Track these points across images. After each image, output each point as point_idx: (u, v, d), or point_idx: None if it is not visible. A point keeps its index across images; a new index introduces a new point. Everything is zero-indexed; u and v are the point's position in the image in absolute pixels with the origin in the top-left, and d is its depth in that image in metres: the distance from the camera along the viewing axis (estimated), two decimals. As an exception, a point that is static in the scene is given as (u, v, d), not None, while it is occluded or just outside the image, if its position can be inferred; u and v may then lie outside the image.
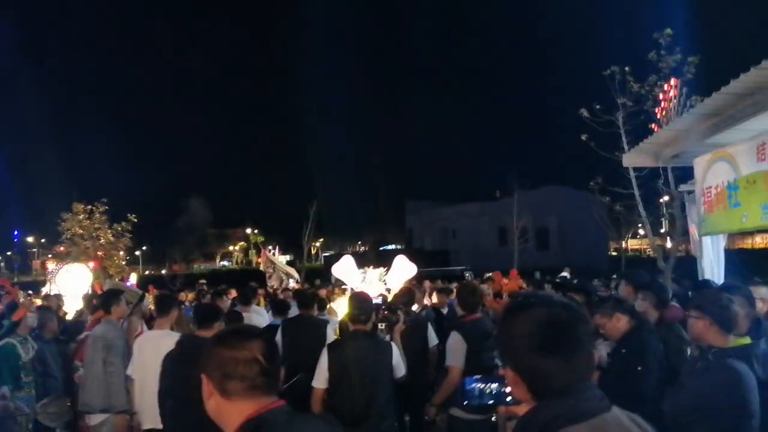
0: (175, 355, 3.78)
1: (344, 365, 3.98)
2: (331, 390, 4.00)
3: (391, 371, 4.15)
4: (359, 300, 4.34)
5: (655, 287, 4.98)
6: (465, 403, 1.74)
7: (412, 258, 9.58)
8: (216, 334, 1.76)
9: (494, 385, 1.69)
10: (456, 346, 4.35)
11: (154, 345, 4.42)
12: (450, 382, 4.36)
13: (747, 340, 2.98)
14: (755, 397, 2.73)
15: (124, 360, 4.87)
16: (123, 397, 4.77)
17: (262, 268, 12.39)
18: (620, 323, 3.96)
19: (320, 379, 4.03)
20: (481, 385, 1.69)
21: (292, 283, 11.64)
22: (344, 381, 3.95)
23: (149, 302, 6.70)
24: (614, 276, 13.48)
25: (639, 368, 3.69)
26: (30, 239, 52.51)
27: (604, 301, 4.55)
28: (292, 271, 12.16)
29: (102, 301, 5.43)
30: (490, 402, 1.68)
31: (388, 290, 8.55)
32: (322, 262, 48.94)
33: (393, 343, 4.40)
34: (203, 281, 17.69)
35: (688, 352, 3.96)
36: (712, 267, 7.33)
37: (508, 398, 1.64)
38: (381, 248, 51.57)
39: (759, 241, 47.19)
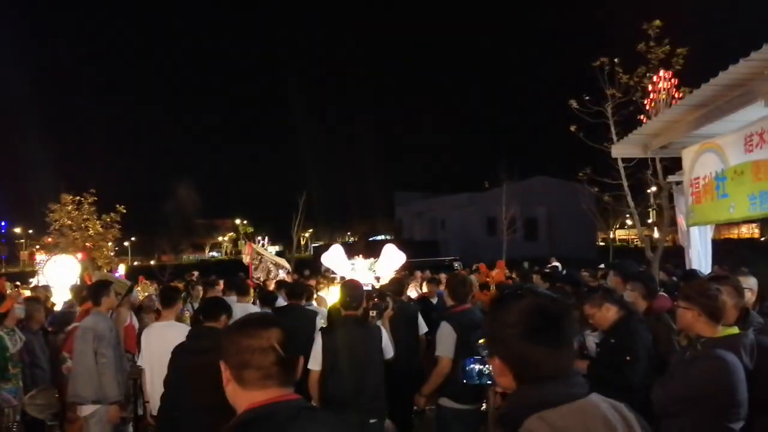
0: (185, 346, 3.80)
1: (337, 348, 4.17)
2: (325, 372, 4.17)
3: (381, 353, 4.40)
4: (351, 287, 4.53)
5: (644, 277, 5.02)
6: (464, 381, 1.84)
7: (402, 248, 9.61)
8: (235, 321, 1.76)
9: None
10: (446, 336, 4.35)
11: (161, 335, 4.71)
12: (439, 373, 4.36)
13: (735, 330, 3.00)
14: (743, 387, 2.75)
15: (115, 351, 4.96)
16: (115, 387, 4.86)
17: (245, 260, 12.27)
18: (609, 313, 3.99)
19: (315, 362, 4.19)
20: (479, 366, 1.77)
21: (282, 274, 11.60)
22: (337, 363, 4.15)
23: (138, 293, 6.61)
24: (602, 266, 13.62)
25: (627, 358, 3.72)
26: (17, 230, 51.99)
27: (592, 291, 4.58)
28: (282, 261, 12.09)
29: (92, 292, 5.37)
30: (488, 382, 1.76)
31: (378, 279, 8.58)
32: (312, 253, 48.89)
33: (382, 327, 4.65)
34: (195, 273, 17.61)
35: (677, 342, 4.00)
36: (700, 257, 7.41)
37: None
38: (370, 239, 51.60)
39: (745, 232, 47.77)
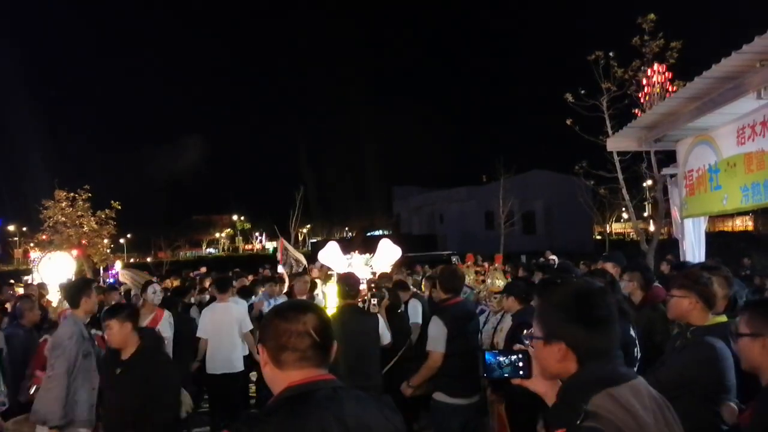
0: None
1: (338, 334, 4.15)
2: None
3: (378, 338, 4.83)
4: (348, 278, 4.94)
5: (641, 267, 5.06)
6: (484, 375, 1.86)
7: (400, 243, 9.62)
8: (274, 307, 1.84)
9: (513, 357, 1.79)
10: (436, 331, 4.38)
11: (225, 309, 6.41)
12: (429, 367, 4.40)
13: (723, 318, 3.05)
14: (732, 374, 2.81)
15: (84, 362, 4.22)
16: (60, 409, 4.05)
17: (278, 256, 12.37)
18: None
19: None
20: (501, 358, 1.80)
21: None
22: (338, 347, 4.15)
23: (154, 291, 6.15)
24: (601, 259, 13.66)
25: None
26: (11, 228, 51.76)
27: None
28: (300, 257, 12.16)
29: (70, 293, 4.60)
30: (506, 375, 1.79)
31: (374, 274, 8.60)
32: (310, 249, 48.87)
33: (379, 315, 5.04)
34: (203, 268, 17.78)
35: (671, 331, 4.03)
36: (693, 249, 7.44)
37: (521, 372, 1.77)
38: (368, 234, 51.59)
39: (739, 224, 47.91)
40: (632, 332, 3.57)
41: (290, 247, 12.25)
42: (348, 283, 4.84)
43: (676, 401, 2.81)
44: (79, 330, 4.25)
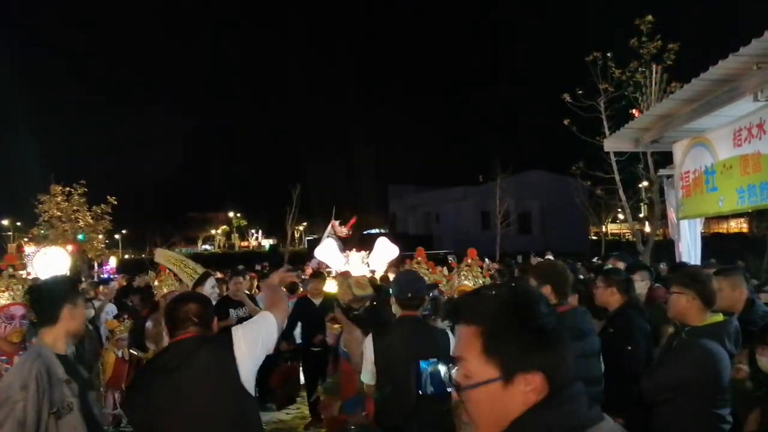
0: None
1: (394, 357, 3.31)
2: (379, 386, 3.41)
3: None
4: (409, 279, 3.59)
5: (647, 267, 5.14)
6: (418, 391, 1.54)
7: (396, 242, 9.64)
8: None
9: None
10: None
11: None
12: None
13: (719, 318, 3.05)
14: (728, 374, 2.84)
15: (67, 421, 2.56)
16: None
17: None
18: (613, 297, 4.01)
19: (368, 374, 3.45)
20: (441, 367, 1.38)
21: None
22: (395, 376, 3.26)
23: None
24: (595, 259, 13.71)
25: (629, 348, 3.75)
26: (5, 222, 51.48)
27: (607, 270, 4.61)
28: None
29: (42, 303, 2.86)
30: (450, 389, 1.35)
31: (372, 272, 8.61)
32: (306, 246, 48.79)
33: (447, 331, 3.54)
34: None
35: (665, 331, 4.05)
36: (689, 250, 7.48)
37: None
38: (365, 232, 51.56)
39: (734, 226, 48.13)
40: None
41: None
42: (408, 285, 3.50)
43: (672, 403, 2.87)
44: (46, 369, 2.56)
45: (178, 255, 4.54)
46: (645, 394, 3.01)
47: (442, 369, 1.32)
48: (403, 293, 3.47)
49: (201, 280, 4.58)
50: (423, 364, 1.61)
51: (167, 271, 5.10)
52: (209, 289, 4.65)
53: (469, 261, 4.60)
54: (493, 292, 1.17)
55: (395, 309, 3.54)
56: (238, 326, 2.72)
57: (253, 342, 2.59)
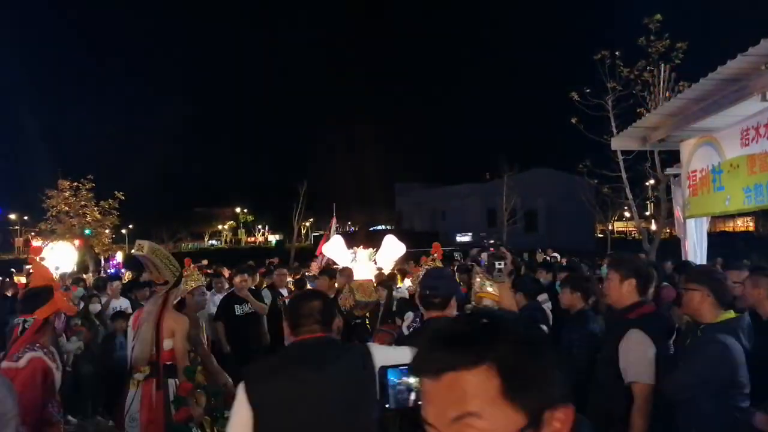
0: None
1: None
2: None
3: None
4: (434, 276, 3.21)
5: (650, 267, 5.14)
6: (386, 405, 1.39)
7: (402, 238, 9.68)
8: None
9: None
10: (642, 352, 3.92)
11: None
12: (641, 407, 4.03)
13: (732, 314, 3.03)
14: (744, 369, 2.83)
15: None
16: None
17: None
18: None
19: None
20: (405, 380, 1.31)
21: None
22: None
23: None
24: (603, 258, 13.70)
25: None
26: (12, 216, 51.82)
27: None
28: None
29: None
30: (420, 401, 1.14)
31: (380, 269, 8.64)
32: (312, 242, 48.94)
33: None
34: (205, 261, 17.81)
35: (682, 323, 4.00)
36: (696, 249, 7.48)
37: None
38: (371, 228, 51.64)
39: (740, 225, 47.92)
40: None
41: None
42: (434, 283, 3.00)
43: (694, 401, 2.85)
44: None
45: (166, 251, 4.46)
46: (665, 395, 2.95)
47: (412, 381, 1.16)
48: (422, 291, 3.12)
49: (177, 282, 4.39)
50: (392, 375, 1.36)
51: (192, 265, 5.24)
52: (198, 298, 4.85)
53: (434, 256, 4.33)
54: (487, 320, 0.91)
55: (422, 310, 3.20)
56: (374, 344, 2.78)
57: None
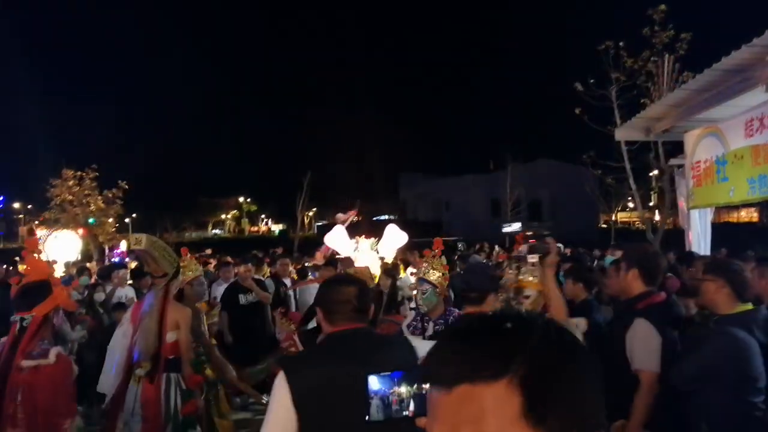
0: None
1: None
2: None
3: None
4: (466, 270, 3.21)
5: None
6: (366, 418, 1.30)
7: (405, 229, 9.67)
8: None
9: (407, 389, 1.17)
10: (648, 341, 3.91)
11: None
12: (645, 396, 3.93)
13: (749, 306, 3.01)
14: (758, 362, 2.81)
15: None
16: None
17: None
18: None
19: None
20: (402, 388, 1.22)
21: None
22: None
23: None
24: (606, 248, 13.70)
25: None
26: (16, 205, 51.98)
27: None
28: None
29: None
30: (405, 413, 1.15)
31: (382, 259, 8.65)
32: (316, 232, 49.00)
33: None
34: (209, 250, 17.87)
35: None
36: (699, 239, 7.48)
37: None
38: (374, 218, 51.68)
39: (744, 215, 47.77)
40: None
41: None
42: (464, 276, 3.09)
43: (704, 393, 2.85)
44: None
45: (162, 242, 4.44)
46: (673, 384, 2.96)
47: (403, 390, 1.01)
48: (461, 286, 3.06)
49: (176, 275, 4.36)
50: (377, 382, 1.26)
51: (189, 255, 5.18)
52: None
53: (435, 251, 4.13)
54: (512, 324, 0.76)
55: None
56: (413, 337, 2.77)
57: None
